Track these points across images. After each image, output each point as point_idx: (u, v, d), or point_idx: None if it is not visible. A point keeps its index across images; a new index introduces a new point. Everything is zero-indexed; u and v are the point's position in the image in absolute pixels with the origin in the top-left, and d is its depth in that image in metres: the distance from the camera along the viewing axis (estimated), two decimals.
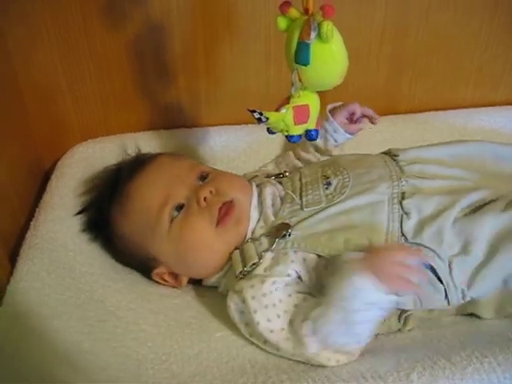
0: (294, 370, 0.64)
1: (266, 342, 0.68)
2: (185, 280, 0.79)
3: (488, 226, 0.70)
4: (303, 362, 0.66)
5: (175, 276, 0.79)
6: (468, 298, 0.70)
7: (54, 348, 0.63)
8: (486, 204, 0.72)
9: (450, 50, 1.01)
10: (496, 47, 1.02)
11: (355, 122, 0.91)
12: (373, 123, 0.91)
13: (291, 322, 0.67)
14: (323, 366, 0.65)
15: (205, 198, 0.76)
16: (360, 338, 0.65)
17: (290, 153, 0.94)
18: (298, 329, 0.66)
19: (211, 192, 0.77)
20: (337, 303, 0.64)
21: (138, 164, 0.83)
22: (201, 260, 0.76)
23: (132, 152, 0.90)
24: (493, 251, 0.69)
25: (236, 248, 0.75)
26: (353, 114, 0.90)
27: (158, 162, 0.82)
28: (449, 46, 1.01)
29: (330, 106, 0.90)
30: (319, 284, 0.70)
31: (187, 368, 0.65)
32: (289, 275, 0.70)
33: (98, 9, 0.87)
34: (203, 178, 0.80)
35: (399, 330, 0.71)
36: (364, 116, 0.90)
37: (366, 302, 0.63)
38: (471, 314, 0.72)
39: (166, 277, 0.78)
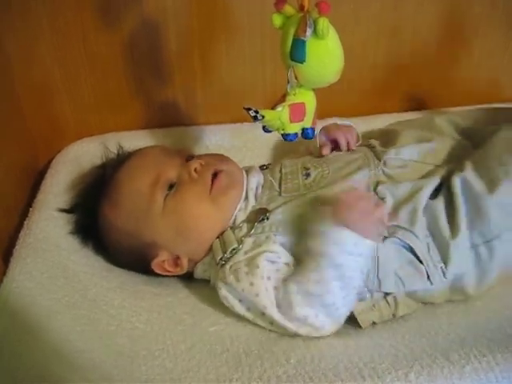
0: (289, 361, 0.63)
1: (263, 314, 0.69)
2: (185, 262, 0.77)
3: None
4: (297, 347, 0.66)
5: (175, 262, 0.77)
6: (450, 276, 0.71)
7: (49, 347, 0.62)
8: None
9: (447, 47, 1.01)
10: (493, 43, 1.02)
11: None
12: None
13: (277, 288, 0.68)
14: (319, 355, 0.64)
15: (195, 169, 0.77)
16: (353, 295, 0.68)
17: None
18: (289, 296, 0.67)
19: (201, 164, 0.78)
20: (324, 262, 0.66)
21: (123, 157, 0.83)
22: (199, 231, 0.75)
23: (122, 148, 0.88)
24: (454, 227, 0.71)
25: (216, 238, 0.75)
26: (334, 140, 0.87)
27: (143, 151, 0.83)
28: (446, 41, 1.01)
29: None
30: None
31: (180, 363, 0.65)
32: (273, 252, 0.71)
33: (94, 9, 0.87)
34: (191, 159, 0.80)
35: (393, 315, 0.72)
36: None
37: (349, 252, 0.66)
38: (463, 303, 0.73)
39: (167, 265, 0.77)
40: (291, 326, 0.67)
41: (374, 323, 0.71)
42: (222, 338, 0.69)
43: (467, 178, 0.72)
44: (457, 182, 0.72)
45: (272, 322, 0.68)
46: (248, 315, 0.70)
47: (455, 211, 0.71)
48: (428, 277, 0.70)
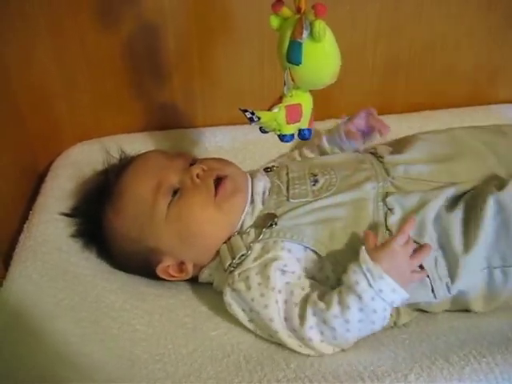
0: (289, 366, 0.64)
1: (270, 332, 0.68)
2: (190, 267, 0.76)
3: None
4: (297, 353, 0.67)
5: (180, 267, 0.77)
6: (454, 292, 0.70)
7: (50, 349, 0.63)
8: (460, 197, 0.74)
9: (445, 48, 1.01)
10: (491, 43, 1.02)
11: (368, 133, 0.89)
12: (381, 135, 0.88)
13: (287, 302, 0.67)
14: (318, 360, 0.65)
15: (197, 175, 0.76)
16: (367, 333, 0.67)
17: (296, 151, 0.94)
18: (304, 314, 0.66)
19: (203, 169, 0.77)
20: (353, 302, 0.64)
21: (124, 162, 0.83)
22: (204, 237, 0.75)
23: (125, 153, 0.88)
24: (469, 244, 0.70)
25: (224, 243, 0.75)
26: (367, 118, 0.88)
27: (145, 156, 0.82)
28: (444, 44, 1.00)
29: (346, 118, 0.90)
30: (309, 275, 0.72)
31: (181, 367, 0.65)
32: (280, 259, 0.70)
33: (91, 11, 0.87)
34: (193, 164, 0.79)
35: (395, 323, 0.71)
36: (373, 127, 0.88)
37: (383, 298, 0.64)
38: (466, 310, 0.73)
39: (171, 271, 0.76)
40: (293, 343, 0.67)
41: None
42: (223, 343, 0.69)
43: (505, 197, 0.70)
44: (490, 200, 0.70)
45: (273, 334, 0.68)
46: (249, 325, 0.70)
47: (477, 228, 0.70)
48: (432, 290, 0.70)
